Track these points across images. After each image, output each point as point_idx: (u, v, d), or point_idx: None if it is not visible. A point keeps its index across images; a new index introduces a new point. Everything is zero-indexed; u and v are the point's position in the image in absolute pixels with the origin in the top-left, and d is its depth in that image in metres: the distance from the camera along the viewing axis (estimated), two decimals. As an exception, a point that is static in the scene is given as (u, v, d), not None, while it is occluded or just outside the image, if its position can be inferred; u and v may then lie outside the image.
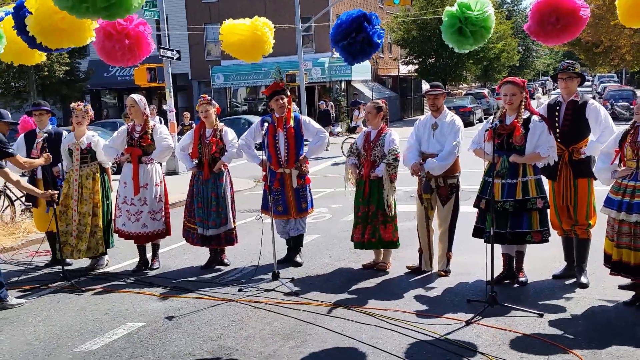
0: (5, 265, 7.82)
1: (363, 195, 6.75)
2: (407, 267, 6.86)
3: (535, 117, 5.93)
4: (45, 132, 7.57)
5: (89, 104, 7.83)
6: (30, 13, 4.99)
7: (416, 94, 44.90)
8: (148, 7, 17.03)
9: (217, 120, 7.38)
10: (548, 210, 6.05)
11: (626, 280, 5.66)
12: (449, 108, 6.96)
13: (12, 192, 10.56)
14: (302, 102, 24.32)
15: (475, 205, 6.18)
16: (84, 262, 7.69)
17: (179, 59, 18.29)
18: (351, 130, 20.03)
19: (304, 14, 25.86)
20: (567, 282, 6.20)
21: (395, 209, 6.79)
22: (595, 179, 5.88)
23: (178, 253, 8.20)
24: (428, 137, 6.61)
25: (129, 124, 7.57)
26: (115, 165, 8.19)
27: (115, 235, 7.54)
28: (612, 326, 5.08)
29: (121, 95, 37.61)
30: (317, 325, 5.38)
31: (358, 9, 6.09)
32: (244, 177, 15.04)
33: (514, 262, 6.24)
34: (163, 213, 7.41)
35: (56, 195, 6.96)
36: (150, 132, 7.30)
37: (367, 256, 7.19)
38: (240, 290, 6.45)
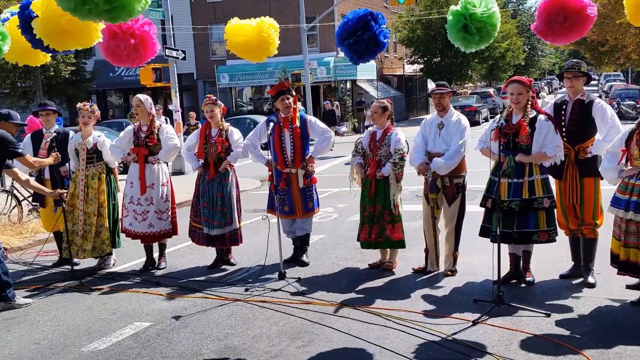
0: (13, 265, 7.85)
1: (369, 195, 6.75)
2: (413, 269, 6.85)
3: (541, 117, 5.92)
4: (55, 132, 7.62)
5: (95, 104, 7.85)
6: (36, 16, 5.02)
7: (421, 93, 44.87)
8: (153, 7, 17.06)
9: (223, 120, 7.38)
10: (555, 210, 6.04)
11: (634, 280, 5.65)
12: (455, 107, 6.95)
13: (20, 192, 10.60)
14: (307, 102, 24.34)
15: (481, 205, 6.17)
16: (91, 262, 7.71)
17: (184, 58, 18.33)
18: (365, 129, 19.99)
19: (309, 13, 25.86)
20: (574, 282, 6.19)
21: (401, 208, 6.78)
22: (602, 179, 5.86)
23: (185, 253, 8.21)
24: (434, 136, 6.60)
25: (135, 124, 7.59)
26: (121, 165, 8.22)
27: (122, 235, 7.56)
28: (620, 326, 5.07)
29: (127, 95, 37.69)
30: (324, 325, 5.38)
31: (365, 8, 6.10)
32: (250, 177, 15.06)
33: (521, 262, 6.23)
34: (169, 213, 7.43)
35: (65, 195, 7.01)
36: (156, 132, 7.31)
37: (374, 256, 7.19)
38: (246, 290, 6.46)
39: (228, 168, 7.25)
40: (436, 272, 6.74)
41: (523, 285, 6.15)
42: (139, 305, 6.18)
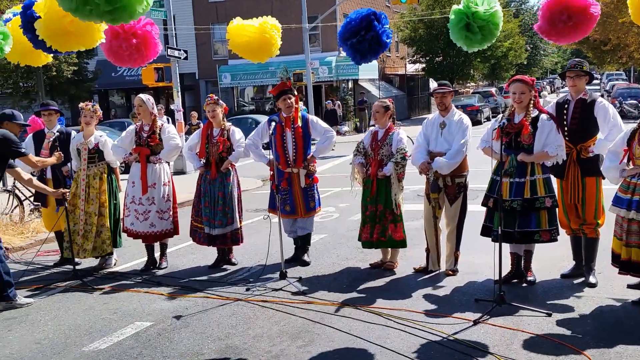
0: (14, 264, 7.85)
1: (371, 195, 6.74)
2: (414, 269, 6.85)
3: (543, 116, 5.91)
4: (57, 132, 7.64)
5: (97, 104, 7.87)
6: (39, 16, 5.02)
7: (423, 92, 44.85)
8: (155, 7, 17.07)
9: (225, 119, 7.38)
10: (557, 209, 6.03)
11: (635, 280, 5.64)
12: (457, 107, 6.94)
13: (21, 192, 10.61)
14: (309, 102, 24.33)
15: (483, 204, 6.17)
16: (93, 262, 7.72)
17: (186, 58, 18.34)
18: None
19: (311, 13, 25.85)
20: (575, 282, 6.18)
21: (402, 208, 6.78)
22: (604, 178, 5.85)
23: (186, 252, 8.21)
24: (436, 136, 6.60)
25: (137, 123, 7.60)
26: (123, 165, 8.22)
27: (124, 235, 7.57)
28: (621, 325, 5.06)
29: (129, 95, 37.73)
30: (325, 324, 5.38)
31: (368, 8, 6.09)
32: (252, 177, 15.07)
33: (522, 261, 6.23)
34: (171, 212, 7.43)
35: (68, 194, 7.03)
36: (158, 131, 7.32)
37: (375, 255, 7.19)
38: (248, 289, 6.45)
39: (229, 168, 7.25)
40: (437, 271, 6.73)
41: (524, 284, 6.15)
42: (140, 304, 6.18)
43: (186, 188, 11.15)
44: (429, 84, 44.03)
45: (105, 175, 7.45)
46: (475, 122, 26.05)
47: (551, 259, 6.72)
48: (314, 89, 27.29)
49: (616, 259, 5.46)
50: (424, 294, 6.10)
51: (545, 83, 61.09)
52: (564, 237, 6.25)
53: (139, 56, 5.68)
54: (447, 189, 6.56)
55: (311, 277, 6.82)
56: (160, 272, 7.36)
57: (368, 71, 34.08)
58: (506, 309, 5.40)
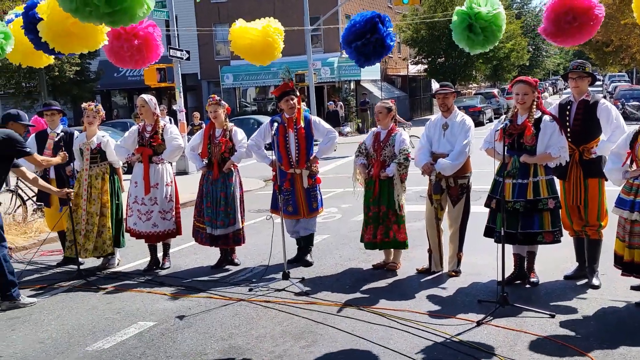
0: (17, 264, 7.86)
1: (373, 196, 6.74)
2: (417, 270, 6.85)
3: (546, 117, 5.91)
4: (62, 132, 7.67)
5: (100, 104, 7.88)
6: (41, 18, 5.03)
7: (425, 93, 44.85)
8: (157, 7, 17.08)
9: (227, 120, 7.39)
10: (560, 211, 6.02)
11: (638, 281, 5.64)
12: (459, 108, 6.94)
13: (24, 192, 10.63)
14: (311, 102, 24.35)
15: (486, 205, 6.17)
16: (96, 262, 7.73)
17: (188, 59, 18.34)
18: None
19: (313, 13, 25.87)
20: (578, 283, 6.17)
21: (405, 209, 6.78)
22: (606, 179, 5.84)
23: (189, 253, 8.22)
24: (439, 137, 6.60)
25: (139, 124, 7.61)
26: (125, 165, 8.24)
27: (127, 235, 7.58)
28: (624, 327, 5.05)
29: (131, 95, 37.77)
30: (328, 325, 5.38)
31: (372, 11, 6.10)
32: (254, 177, 15.07)
33: (525, 263, 6.22)
34: (173, 213, 7.44)
35: (72, 194, 7.06)
36: (160, 132, 7.33)
37: (378, 256, 7.19)
38: (250, 290, 6.46)
39: (232, 168, 7.26)
40: (440, 272, 6.73)
41: (527, 286, 6.14)
42: (143, 304, 6.19)
43: (189, 188, 11.16)
44: (431, 85, 44.03)
45: (108, 176, 7.46)
46: (478, 123, 26.01)
47: (554, 260, 6.72)
48: (316, 89, 27.30)
49: (619, 261, 5.46)
50: (427, 294, 6.10)
51: (547, 84, 61.03)
52: (567, 239, 6.24)
53: (140, 57, 5.69)
54: (450, 190, 6.55)
55: (314, 278, 6.82)
56: (163, 272, 7.37)
57: (370, 72, 34.08)
58: (509, 310, 5.40)
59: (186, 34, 31.22)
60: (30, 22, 5.37)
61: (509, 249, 6.03)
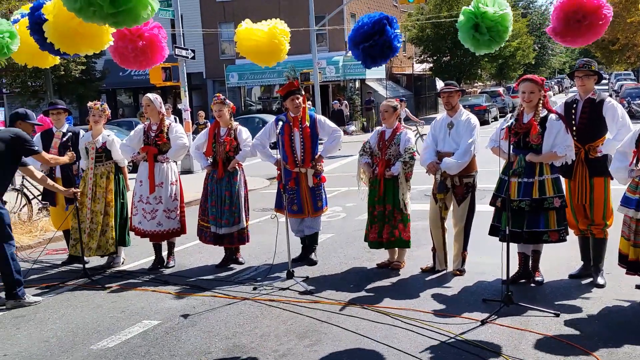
0: (23, 263, 7.88)
1: (378, 195, 6.74)
2: (421, 269, 6.84)
3: (552, 116, 5.89)
4: (69, 132, 7.70)
5: (105, 103, 7.90)
6: (47, 19, 5.04)
7: (430, 92, 44.79)
8: (163, 6, 17.11)
9: (232, 119, 7.40)
10: (566, 210, 6.00)
11: (643, 280, 5.61)
12: (464, 106, 6.92)
13: (29, 191, 10.66)
14: (316, 101, 24.34)
15: (491, 204, 6.16)
16: (101, 260, 7.75)
17: (193, 58, 18.37)
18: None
19: (318, 12, 25.85)
20: (583, 282, 6.16)
21: (409, 207, 6.78)
22: (612, 178, 5.82)
23: (193, 251, 8.23)
24: (444, 136, 6.59)
25: (145, 123, 7.62)
26: (131, 164, 8.26)
27: (132, 234, 7.59)
28: (629, 326, 5.04)
29: (137, 94, 37.85)
30: (332, 324, 5.38)
31: (380, 12, 6.09)
32: (259, 176, 15.08)
33: (530, 262, 6.21)
34: (178, 212, 7.45)
35: (79, 194, 7.09)
36: (165, 131, 7.35)
37: (382, 255, 7.18)
38: (255, 288, 6.46)
39: (236, 167, 7.27)
40: (444, 271, 6.72)
41: (532, 285, 6.13)
42: (148, 303, 6.20)
43: (194, 187, 11.17)
44: (436, 83, 43.95)
45: (113, 175, 7.47)
46: (483, 122, 25.99)
47: (559, 259, 6.70)
48: (321, 88, 27.30)
49: (623, 260, 5.44)
50: (431, 293, 6.09)
51: (553, 83, 60.89)
52: (572, 238, 6.22)
53: (144, 59, 5.69)
54: (456, 189, 6.54)
55: (318, 277, 6.82)
56: (167, 271, 7.38)
57: (375, 71, 34.02)
58: (514, 309, 5.39)
59: (191, 33, 31.27)
60: (36, 22, 5.39)
61: (514, 247, 6.02)
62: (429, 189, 6.90)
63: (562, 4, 5.42)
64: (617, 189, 5.84)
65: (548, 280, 6.21)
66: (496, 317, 5.27)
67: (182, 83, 17.88)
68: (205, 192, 7.38)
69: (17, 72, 25.82)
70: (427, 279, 6.57)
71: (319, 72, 25.92)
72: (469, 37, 5.46)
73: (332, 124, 7.51)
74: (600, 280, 6.02)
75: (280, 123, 6.96)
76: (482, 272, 6.57)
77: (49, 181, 6.94)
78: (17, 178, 10.68)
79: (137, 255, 8.14)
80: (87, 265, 7.41)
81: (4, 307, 6.24)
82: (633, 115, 24.02)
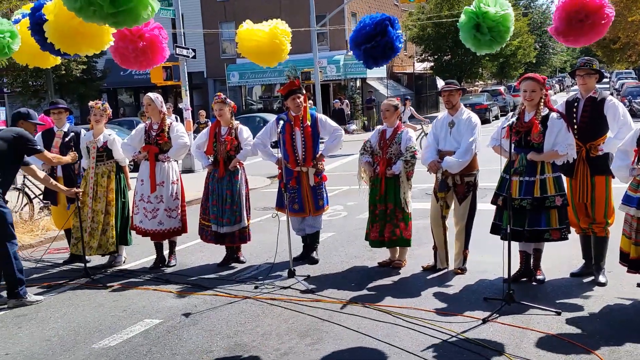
0: (24, 262, 7.89)
1: (380, 193, 6.74)
2: (423, 267, 6.84)
3: (553, 115, 5.88)
4: (72, 132, 7.71)
5: (106, 102, 7.90)
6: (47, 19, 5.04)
7: (431, 91, 44.78)
8: (163, 6, 17.12)
9: (233, 118, 7.40)
10: (567, 208, 6.00)
11: (645, 278, 5.61)
12: (465, 105, 6.93)
13: (31, 190, 10.67)
14: (317, 100, 24.34)
15: (492, 202, 6.16)
16: (102, 259, 7.75)
17: (194, 57, 18.37)
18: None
19: (319, 11, 25.83)
20: (585, 280, 6.16)
21: (410, 206, 6.78)
22: (613, 177, 5.82)
23: (194, 250, 8.24)
24: (445, 135, 6.59)
25: (146, 122, 7.63)
26: (132, 163, 8.27)
27: (133, 232, 7.60)
28: (631, 324, 5.03)
29: (137, 93, 37.87)
30: (333, 322, 5.39)
31: (382, 13, 6.08)
32: (260, 175, 15.08)
33: (532, 260, 6.21)
34: (179, 211, 7.46)
35: (81, 193, 7.10)
36: (167, 130, 7.35)
37: (383, 254, 7.18)
38: (256, 287, 6.47)
39: (237, 166, 7.27)
40: (446, 270, 6.72)
41: (533, 283, 6.13)
42: (150, 302, 6.21)
43: (195, 186, 11.18)
44: (437, 81, 43.92)
45: (114, 174, 7.48)
46: (484, 121, 26.01)
47: (560, 257, 6.70)
48: (322, 87, 27.30)
49: (624, 258, 5.43)
50: (432, 292, 6.09)
51: (554, 82, 60.84)
52: (573, 236, 6.22)
53: (145, 59, 5.69)
54: (457, 187, 6.54)
55: (319, 276, 6.82)
56: (169, 270, 7.38)
57: (376, 70, 33.60)
58: (515, 307, 5.38)
59: (192, 32, 31.28)
60: (37, 23, 5.39)
61: (515, 246, 6.02)
62: (430, 188, 6.90)
63: (564, 3, 5.42)
64: (619, 187, 5.84)
65: (549, 278, 6.21)
66: (498, 315, 5.28)
67: (183, 82, 17.88)
68: (206, 191, 7.38)
69: (18, 72, 25.85)
70: (428, 277, 6.57)
71: (320, 71, 25.91)
72: (470, 37, 5.46)
73: (334, 123, 7.51)
74: (601, 279, 6.02)
75: (282, 122, 6.96)
76: (484, 270, 6.57)
77: (52, 181, 6.96)
78: (19, 177, 10.69)
79: (138, 254, 8.14)
80: (88, 265, 7.42)
81: (6, 306, 6.25)
82: (634, 114, 24.00)
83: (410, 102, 20.45)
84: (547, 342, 4.75)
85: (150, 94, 7.42)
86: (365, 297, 6.03)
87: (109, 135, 7.53)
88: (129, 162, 7.84)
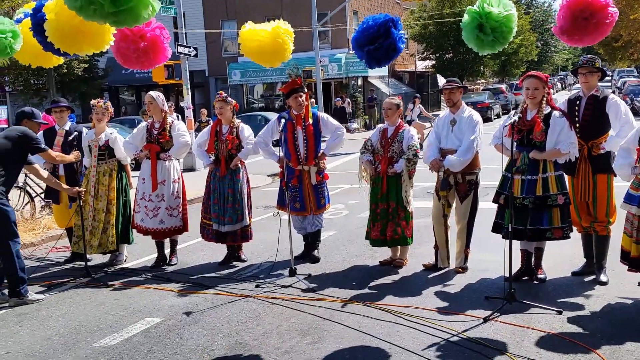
0: (26, 261, 7.89)
1: (381, 192, 6.73)
2: (423, 265, 6.84)
3: (555, 113, 5.87)
4: (75, 131, 7.71)
5: (108, 101, 7.90)
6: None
7: (433, 89, 44.73)
8: (165, 4, 17.11)
9: (234, 117, 7.39)
10: (569, 207, 5.99)
11: (646, 277, 5.60)
12: (467, 103, 6.91)
13: (32, 189, 10.67)
14: (318, 99, 24.33)
15: (494, 201, 6.15)
16: (103, 258, 7.76)
17: (196, 55, 18.36)
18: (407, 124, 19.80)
19: (320, 10, 25.80)
20: (586, 279, 6.15)
21: (412, 205, 6.77)
22: (615, 175, 5.81)
23: (195, 249, 8.24)
24: (447, 133, 6.58)
25: (147, 120, 7.62)
26: (133, 161, 8.27)
27: (134, 231, 7.60)
28: (632, 323, 5.03)
29: (139, 92, 37.85)
30: (334, 321, 5.38)
31: (385, 14, 6.07)
32: (261, 174, 15.08)
33: (533, 259, 6.20)
34: (180, 209, 7.46)
35: (83, 193, 7.11)
36: (168, 128, 7.35)
37: (384, 253, 7.18)
38: (257, 286, 6.47)
39: (239, 164, 7.26)
40: (447, 269, 6.72)
41: (535, 282, 6.12)
42: (151, 301, 6.21)
43: (196, 185, 11.17)
44: (438, 79, 43.87)
45: (116, 173, 7.48)
46: (486, 119, 25.96)
47: (562, 256, 6.69)
48: (324, 86, 27.27)
49: (625, 256, 5.42)
50: (433, 291, 6.08)
51: (556, 80, 60.77)
52: (575, 235, 6.21)
53: (147, 59, 5.68)
54: (458, 186, 6.53)
55: (320, 274, 6.82)
56: (170, 269, 7.38)
57: (377, 68, 33.91)
58: (516, 306, 5.38)
59: (194, 30, 31.26)
60: (39, 23, 5.39)
61: (517, 245, 6.01)
62: (432, 187, 6.89)
63: (569, 2, 5.41)
64: (620, 186, 5.83)
65: (551, 277, 6.20)
66: (499, 314, 5.27)
67: (184, 81, 17.88)
68: (207, 190, 7.38)
69: (19, 70, 25.88)
70: (429, 276, 6.57)
71: (322, 70, 25.89)
72: (473, 37, 5.45)
73: (335, 122, 7.50)
74: (603, 278, 6.01)
75: (283, 121, 6.96)
76: (485, 269, 6.57)
77: (55, 180, 6.97)
78: (20, 176, 10.70)
79: (139, 252, 8.14)
80: (90, 263, 7.43)
81: (7, 304, 6.26)
82: (636, 112, 23.96)
83: (419, 100, 20.42)
84: (548, 341, 4.74)
85: (151, 93, 7.42)
86: (366, 296, 6.02)
87: (111, 133, 7.53)
88: (131, 160, 7.85)
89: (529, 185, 5.85)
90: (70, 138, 7.72)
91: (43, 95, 27.91)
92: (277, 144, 7.18)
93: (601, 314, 5.28)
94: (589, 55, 6.27)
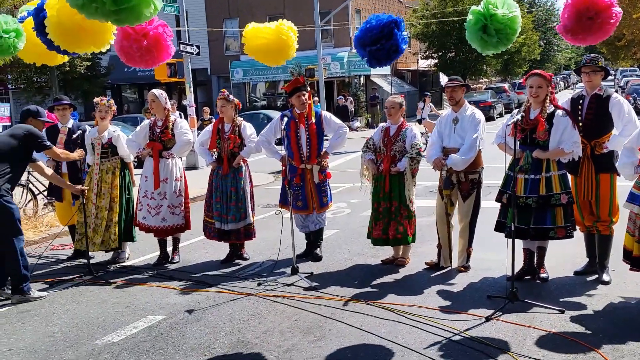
0: (29, 258, 7.89)
1: (384, 191, 6.72)
2: (426, 263, 6.84)
3: (559, 112, 5.86)
4: (79, 130, 7.72)
5: (111, 98, 7.91)
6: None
7: (435, 88, 44.68)
8: (167, 2, 17.14)
9: (237, 115, 7.39)
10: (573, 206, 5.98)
11: (649, 277, 5.59)
12: (469, 102, 6.91)
13: (35, 186, 10.68)
14: (320, 97, 24.31)
15: (497, 200, 6.14)
16: (106, 256, 7.77)
17: (198, 54, 18.37)
18: (418, 122, 19.79)
19: (323, 8, 25.79)
20: (588, 279, 6.14)
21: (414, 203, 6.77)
22: (618, 175, 5.80)
23: (198, 247, 8.24)
24: (449, 132, 6.57)
25: (150, 118, 7.63)
26: (136, 159, 8.28)
27: (137, 229, 7.60)
28: (634, 322, 5.02)
29: (142, 90, 37.88)
30: (336, 319, 5.38)
31: (389, 15, 6.06)
32: (263, 172, 15.08)
33: (535, 258, 6.19)
34: (182, 207, 7.46)
35: (87, 191, 7.12)
36: (171, 127, 7.35)
37: (386, 251, 7.18)
38: (259, 284, 6.47)
39: (241, 163, 7.27)
40: (449, 268, 6.71)
41: (537, 281, 6.12)
42: (153, 298, 6.21)
43: (198, 183, 11.19)
44: (440, 77, 43.81)
45: (118, 170, 7.49)
46: (488, 118, 25.93)
47: (564, 256, 6.68)
48: (326, 84, 27.26)
49: (628, 256, 5.41)
50: (436, 290, 6.08)
51: (559, 79, 60.69)
52: (577, 234, 6.20)
53: (150, 57, 5.68)
54: (461, 185, 6.53)
55: (322, 273, 6.82)
56: (172, 267, 7.39)
57: (380, 67, 33.90)
58: (519, 305, 5.37)
59: (196, 29, 31.27)
60: (41, 23, 5.39)
61: (519, 244, 6.00)
62: (434, 186, 6.89)
63: (574, 1, 5.40)
64: (623, 185, 5.82)
65: (553, 276, 6.20)
66: (501, 313, 5.27)
67: (187, 79, 17.89)
68: (210, 188, 7.38)
69: (22, 68, 25.91)
70: (431, 275, 6.56)
71: (324, 68, 25.88)
72: (477, 38, 5.45)
73: (338, 120, 7.50)
74: (605, 277, 6.00)
75: (286, 119, 6.96)
76: (487, 268, 6.56)
77: (58, 177, 6.99)
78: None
79: (142, 250, 8.15)
80: (92, 261, 7.44)
81: (10, 301, 6.27)
82: (639, 112, 23.91)
83: (429, 98, 20.38)
84: (550, 341, 4.74)
85: (154, 91, 7.42)
86: (368, 295, 6.02)
87: (114, 131, 7.54)
88: (133, 158, 7.85)
89: (532, 185, 5.84)
90: (74, 136, 7.73)
91: (46, 93, 27.94)
92: (279, 142, 7.18)
93: (603, 313, 5.27)
94: (592, 54, 6.26)
